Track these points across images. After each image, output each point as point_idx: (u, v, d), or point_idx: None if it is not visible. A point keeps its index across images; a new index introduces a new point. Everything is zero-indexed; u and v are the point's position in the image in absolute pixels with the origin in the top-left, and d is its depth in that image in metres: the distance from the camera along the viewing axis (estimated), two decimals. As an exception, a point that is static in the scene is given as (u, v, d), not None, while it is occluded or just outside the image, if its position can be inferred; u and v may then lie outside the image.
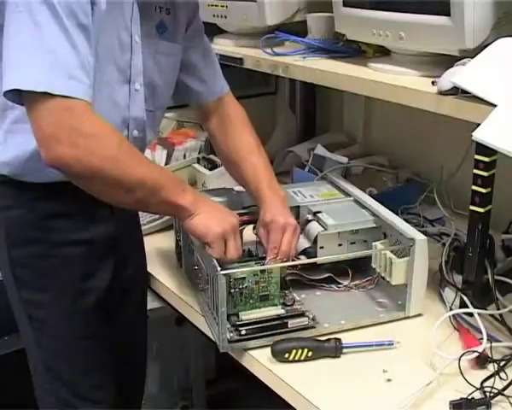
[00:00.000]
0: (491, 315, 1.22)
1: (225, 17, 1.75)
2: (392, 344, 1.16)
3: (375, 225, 1.35)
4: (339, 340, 1.14)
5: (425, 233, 1.27)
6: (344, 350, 1.14)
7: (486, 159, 1.15)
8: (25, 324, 1.26)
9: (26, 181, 1.18)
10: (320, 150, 1.86)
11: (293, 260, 1.28)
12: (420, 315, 1.26)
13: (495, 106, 1.04)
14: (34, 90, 0.98)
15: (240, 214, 1.39)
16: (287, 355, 1.12)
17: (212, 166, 1.84)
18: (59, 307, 1.24)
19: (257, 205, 1.34)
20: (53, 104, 0.99)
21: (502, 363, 1.10)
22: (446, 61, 1.20)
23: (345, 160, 1.82)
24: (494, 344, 1.13)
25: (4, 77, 1.01)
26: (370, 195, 1.48)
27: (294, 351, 1.12)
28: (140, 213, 1.50)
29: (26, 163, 1.16)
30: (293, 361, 1.12)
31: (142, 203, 1.14)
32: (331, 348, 1.14)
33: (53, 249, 1.21)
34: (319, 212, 1.38)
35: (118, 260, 1.31)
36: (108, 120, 1.11)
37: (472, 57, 1.13)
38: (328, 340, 1.15)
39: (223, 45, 1.79)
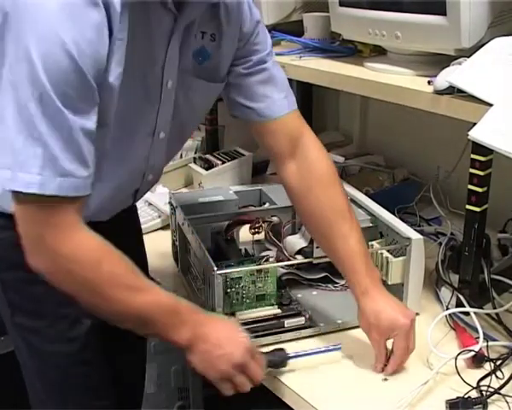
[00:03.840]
0: (488, 314, 1.22)
1: (221, 17, 1.74)
2: (340, 348, 1.12)
3: (371, 225, 1.35)
4: (283, 350, 1.11)
5: (421, 232, 1.27)
6: (291, 360, 1.10)
7: (483, 158, 1.15)
8: (21, 349, 1.22)
9: None
10: (316, 150, 1.86)
11: (289, 260, 1.28)
12: (416, 314, 1.25)
13: (491, 105, 1.04)
14: (24, 191, 0.88)
15: (237, 214, 1.39)
16: None
17: (209, 165, 1.85)
18: (55, 335, 1.18)
19: (352, 291, 1.14)
20: (38, 210, 0.91)
21: (498, 362, 1.10)
22: (442, 61, 1.20)
23: (341, 159, 1.82)
24: (490, 343, 1.13)
25: None
26: (367, 194, 1.48)
27: None
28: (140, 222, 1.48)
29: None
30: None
31: (132, 329, 1.02)
32: (276, 361, 1.10)
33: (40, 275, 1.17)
34: (316, 211, 1.38)
35: None
36: (121, 173, 1.08)
37: (468, 57, 1.13)
38: (273, 352, 1.11)
39: (219, 45, 1.78)
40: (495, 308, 1.21)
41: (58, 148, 0.88)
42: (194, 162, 1.90)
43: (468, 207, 1.19)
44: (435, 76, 1.16)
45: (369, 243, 1.30)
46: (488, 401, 1.02)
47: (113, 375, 1.29)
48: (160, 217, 1.67)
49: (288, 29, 1.64)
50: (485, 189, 1.17)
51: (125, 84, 0.97)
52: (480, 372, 1.09)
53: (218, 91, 1.18)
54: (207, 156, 1.90)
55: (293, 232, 1.39)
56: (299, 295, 1.30)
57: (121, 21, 0.92)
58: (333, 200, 1.16)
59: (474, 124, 1.04)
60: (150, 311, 0.99)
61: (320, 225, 1.17)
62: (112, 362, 1.27)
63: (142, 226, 1.59)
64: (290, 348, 1.15)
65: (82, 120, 0.90)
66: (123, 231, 1.30)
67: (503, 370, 1.09)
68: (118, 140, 1.03)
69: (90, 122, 0.92)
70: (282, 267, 1.32)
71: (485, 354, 1.11)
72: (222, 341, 1.03)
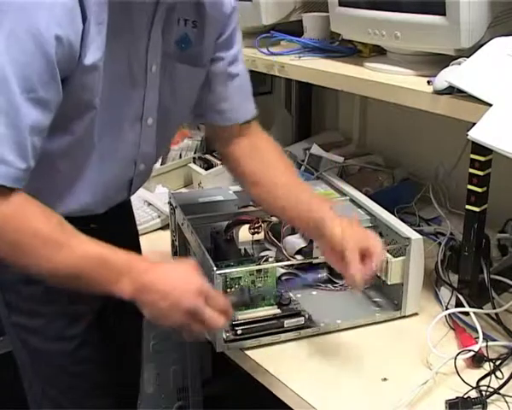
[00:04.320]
0: (487, 314, 1.22)
1: (221, 17, 1.74)
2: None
3: (371, 225, 1.35)
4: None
5: (421, 232, 1.27)
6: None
7: (482, 158, 1.15)
8: (19, 350, 1.22)
9: None
10: (316, 150, 1.86)
11: (288, 260, 1.28)
12: (416, 314, 1.26)
13: (490, 105, 1.04)
14: None
15: (236, 214, 1.39)
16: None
17: (208, 165, 1.85)
18: (53, 334, 1.18)
19: (313, 221, 1.13)
20: None
21: (498, 362, 1.10)
22: (442, 61, 1.20)
23: (341, 159, 1.82)
24: (490, 343, 1.13)
25: None
26: (366, 194, 1.48)
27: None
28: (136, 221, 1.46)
29: None
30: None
31: (72, 287, 0.99)
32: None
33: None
34: (315, 211, 1.37)
35: None
36: (113, 162, 1.08)
37: (467, 57, 1.13)
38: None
39: (218, 45, 1.78)
40: (494, 308, 1.21)
41: (2, 134, 0.88)
42: (194, 162, 1.90)
43: (467, 207, 1.20)
44: (435, 76, 1.16)
45: (369, 243, 1.30)
46: (488, 400, 1.02)
47: (111, 373, 1.29)
48: (159, 217, 1.67)
49: (287, 29, 1.64)
50: (484, 189, 1.17)
51: (110, 67, 0.98)
52: (480, 372, 1.09)
53: (201, 78, 1.18)
54: (207, 156, 1.90)
55: (293, 232, 1.39)
56: (299, 295, 1.30)
57: (99, 6, 0.93)
58: (276, 159, 1.23)
59: (474, 124, 1.04)
60: (79, 266, 0.94)
61: (264, 180, 1.20)
62: (110, 360, 1.27)
63: (142, 226, 1.60)
64: (290, 348, 1.16)
65: (37, 113, 0.90)
66: (119, 229, 1.30)
67: (502, 370, 1.09)
68: (107, 126, 1.04)
69: (44, 119, 0.92)
70: (281, 267, 1.32)
71: (485, 354, 1.11)
72: (167, 288, 0.97)
